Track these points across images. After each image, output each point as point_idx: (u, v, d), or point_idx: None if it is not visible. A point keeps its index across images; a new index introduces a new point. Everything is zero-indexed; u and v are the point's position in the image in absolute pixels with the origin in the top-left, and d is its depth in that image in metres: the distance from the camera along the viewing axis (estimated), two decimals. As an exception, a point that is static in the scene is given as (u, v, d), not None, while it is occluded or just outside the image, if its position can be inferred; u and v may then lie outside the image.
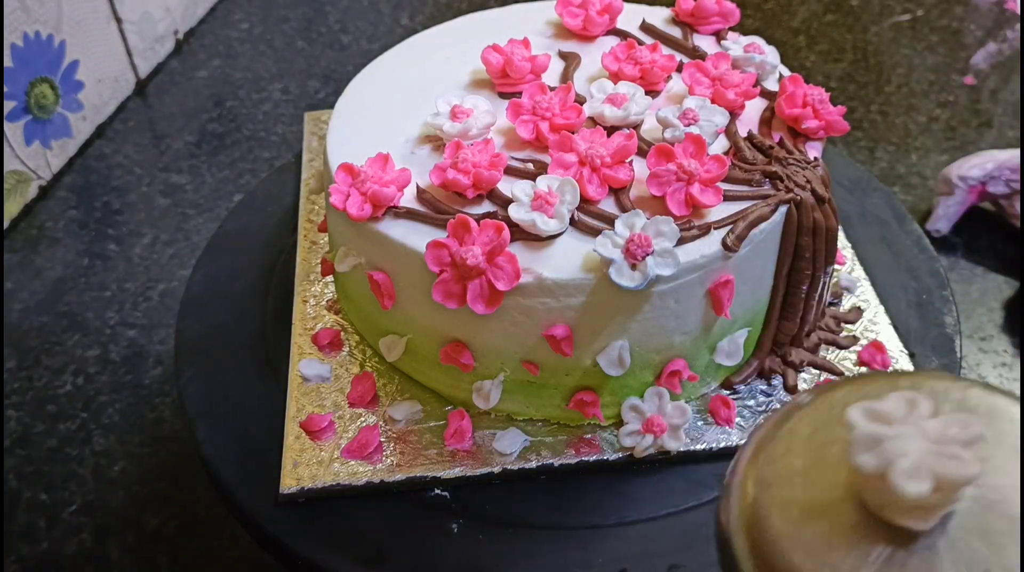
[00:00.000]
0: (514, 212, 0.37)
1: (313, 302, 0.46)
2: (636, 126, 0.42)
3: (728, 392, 0.42)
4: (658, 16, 0.50)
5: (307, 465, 0.39)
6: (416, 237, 0.38)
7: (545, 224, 0.37)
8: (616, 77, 0.44)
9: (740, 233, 0.38)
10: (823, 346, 0.44)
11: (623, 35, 0.48)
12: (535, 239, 0.37)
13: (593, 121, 0.42)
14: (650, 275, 0.35)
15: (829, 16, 0.92)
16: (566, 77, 0.45)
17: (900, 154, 0.76)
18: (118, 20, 0.81)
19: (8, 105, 0.70)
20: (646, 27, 0.49)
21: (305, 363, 0.43)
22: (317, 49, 0.91)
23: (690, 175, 0.37)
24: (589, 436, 0.41)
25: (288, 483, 0.39)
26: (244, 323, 0.47)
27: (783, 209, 0.39)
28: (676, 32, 0.49)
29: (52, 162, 0.76)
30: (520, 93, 0.43)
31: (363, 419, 0.41)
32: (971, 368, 0.59)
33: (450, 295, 0.36)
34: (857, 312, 0.46)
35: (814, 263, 0.41)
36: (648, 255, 0.35)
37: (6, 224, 0.72)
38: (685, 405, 0.39)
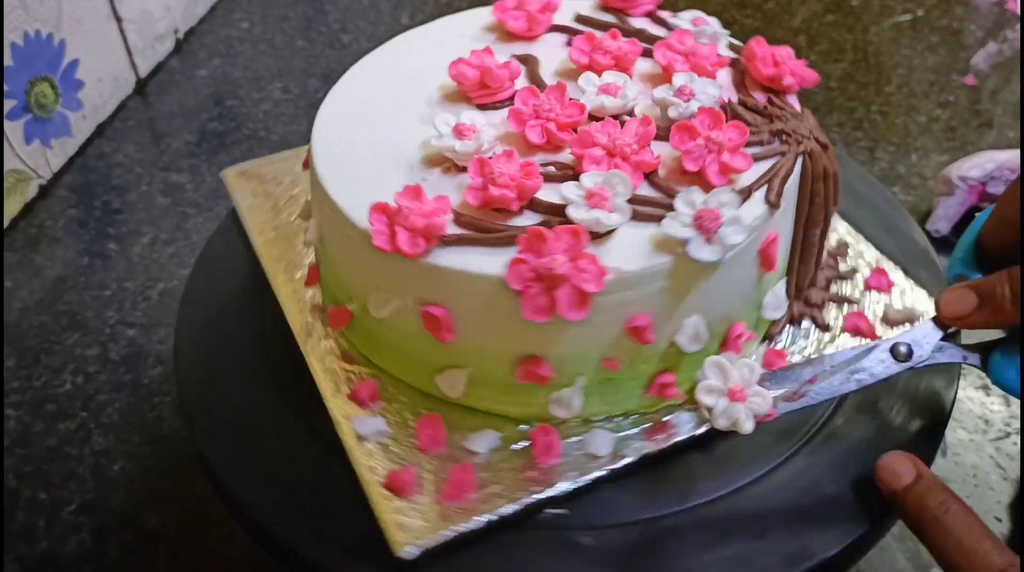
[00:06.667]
0: (573, 213, 0.37)
1: (328, 359, 0.44)
2: (630, 112, 0.42)
3: (771, 344, 0.44)
4: (585, 6, 0.50)
5: (414, 523, 0.37)
6: (475, 261, 0.36)
7: (608, 218, 0.36)
8: (589, 69, 0.44)
9: (778, 190, 0.39)
10: (833, 283, 0.47)
11: (565, 30, 0.48)
12: (594, 237, 0.37)
13: (591, 114, 0.42)
14: (728, 245, 0.36)
15: (829, 16, 0.92)
16: (534, 78, 0.45)
17: (900, 154, 0.76)
18: (118, 19, 0.81)
19: (8, 104, 0.70)
20: (582, 19, 0.49)
21: (358, 421, 0.40)
22: (317, 48, 0.91)
23: (719, 145, 0.38)
24: (667, 418, 0.41)
25: (406, 547, 0.36)
26: (244, 322, 0.47)
27: (799, 160, 0.41)
28: (610, 19, 0.49)
29: (52, 161, 0.76)
30: (503, 102, 0.43)
31: (445, 461, 0.39)
32: (970, 369, 0.59)
33: (539, 309, 0.36)
34: (844, 246, 0.48)
35: (826, 207, 0.42)
36: (720, 226, 0.36)
37: (6, 223, 0.72)
38: (753, 362, 0.39)
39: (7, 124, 0.70)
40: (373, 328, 0.42)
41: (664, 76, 0.44)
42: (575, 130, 0.41)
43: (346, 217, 0.39)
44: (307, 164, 0.47)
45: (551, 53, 0.46)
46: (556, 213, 0.37)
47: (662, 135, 0.40)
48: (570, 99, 0.41)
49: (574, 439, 0.40)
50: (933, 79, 0.84)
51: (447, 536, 0.36)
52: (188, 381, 0.44)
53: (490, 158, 0.38)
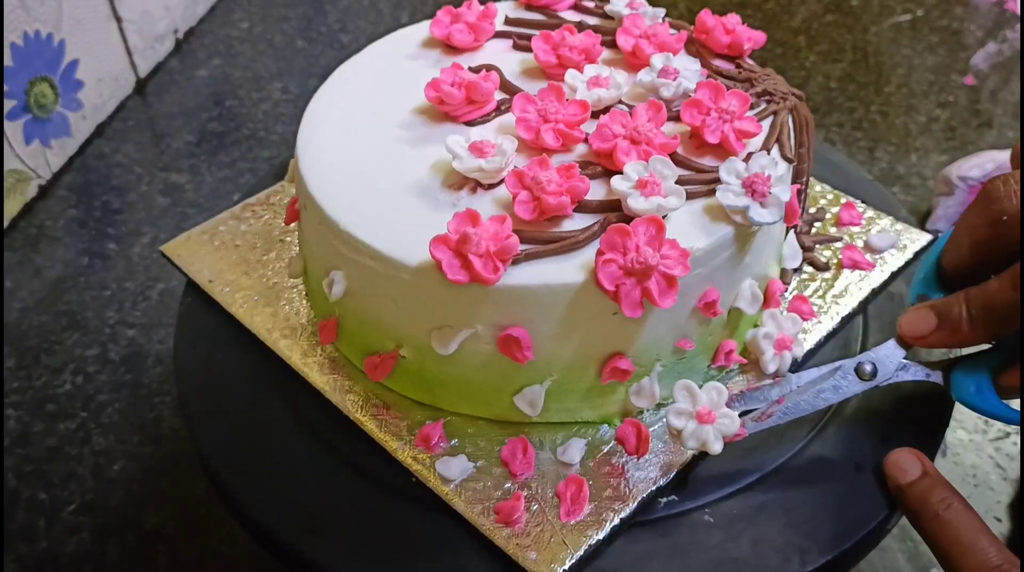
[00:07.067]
0: (634, 204, 0.37)
1: (376, 413, 0.41)
2: (619, 101, 0.43)
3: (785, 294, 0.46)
4: (507, 9, 0.50)
5: (547, 548, 0.36)
6: (552, 273, 0.36)
7: (668, 203, 0.37)
8: (559, 66, 0.44)
9: (788, 145, 0.41)
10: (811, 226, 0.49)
11: (505, 35, 0.48)
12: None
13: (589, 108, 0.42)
14: (782, 203, 0.38)
15: (829, 16, 0.92)
16: (506, 86, 0.44)
17: (900, 154, 0.76)
18: (118, 19, 0.81)
19: (8, 104, 0.70)
20: (514, 22, 0.49)
21: (442, 465, 0.39)
22: (317, 48, 0.91)
23: (732, 114, 0.40)
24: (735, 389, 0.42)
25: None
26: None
27: (788, 116, 0.43)
28: (539, 17, 0.49)
29: (52, 161, 0.76)
30: (488, 115, 0.42)
31: (544, 480, 0.39)
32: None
33: (636, 304, 0.36)
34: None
35: (809, 154, 0.44)
36: (771, 187, 0.38)
37: (6, 223, 0.72)
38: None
39: (7, 124, 0.70)
40: (430, 368, 0.40)
41: (630, 61, 0.45)
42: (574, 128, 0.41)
43: (395, 261, 0.37)
44: (292, 218, 0.45)
45: (503, 59, 0.46)
46: (609, 209, 0.38)
47: (671, 116, 0.41)
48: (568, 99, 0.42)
49: (655, 427, 0.40)
50: (933, 79, 0.84)
51: (585, 552, 0.36)
52: (188, 381, 0.44)
53: (524, 169, 0.38)
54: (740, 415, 0.37)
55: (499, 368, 0.39)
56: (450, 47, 0.47)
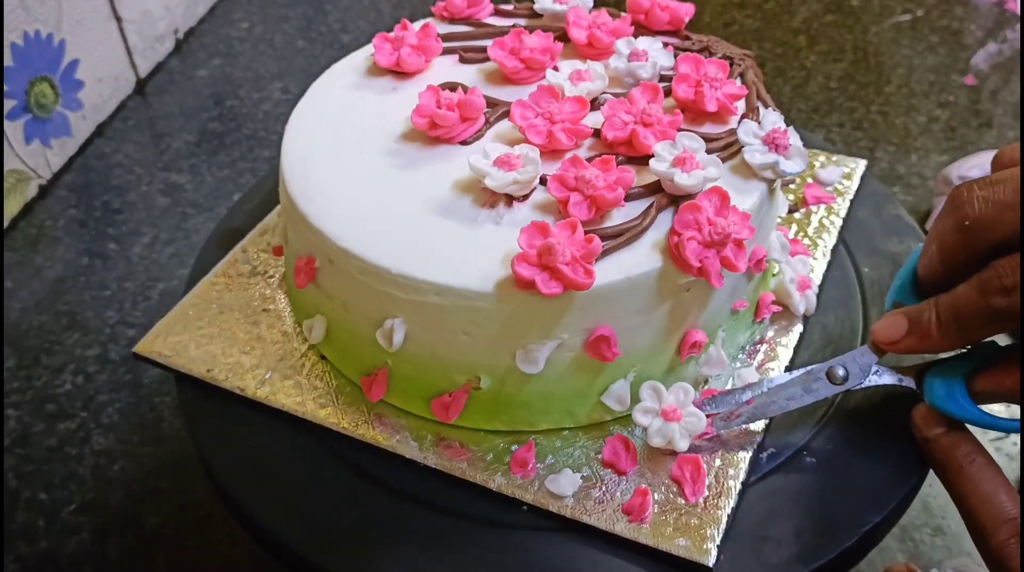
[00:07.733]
0: (682, 181, 0.37)
1: (449, 449, 0.40)
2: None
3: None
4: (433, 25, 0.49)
5: (691, 531, 0.36)
6: (630, 264, 0.36)
7: (710, 173, 0.38)
8: (527, 68, 0.45)
9: (768, 99, 0.43)
10: None
11: (452, 51, 0.48)
12: (690, 196, 0.38)
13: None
14: (803, 152, 0.40)
15: (829, 16, 0.92)
16: (486, 99, 0.44)
17: (900, 154, 0.76)
18: (118, 19, 0.81)
19: (8, 104, 0.70)
20: (447, 36, 0.48)
21: (552, 483, 0.38)
22: (317, 48, 0.91)
23: (721, 81, 0.42)
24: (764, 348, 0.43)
25: (709, 556, 0.36)
26: (244, 323, 0.47)
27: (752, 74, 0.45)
28: (467, 28, 0.49)
29: (52, 161, 0.76)
30: (481, 129, 0.42)
31: (653, 469, 0.38)
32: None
33: (718, 274, 0.37)
34: None
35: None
36: (788, 140, 0.40)
37: (6, 223, 0.72)
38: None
39: (7, 124, 0.70)
40: (508, 392, 0.39)
41: (586, 52, 0.46)
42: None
43: (468, 291, 0.36)
44: (308, 280, 0.42)
45: (456, 73, 0.46)
46: (653, 192, 0.39)
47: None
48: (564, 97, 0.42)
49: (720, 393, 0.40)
50: (933, 79, 0.84)
51: (726, 524, 0.36)
52: (188, 381, 0.44)
53: (562, 172, 0.38)
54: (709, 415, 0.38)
55: (585, 373, 0.39)
56: (398, 72, 0.47)
